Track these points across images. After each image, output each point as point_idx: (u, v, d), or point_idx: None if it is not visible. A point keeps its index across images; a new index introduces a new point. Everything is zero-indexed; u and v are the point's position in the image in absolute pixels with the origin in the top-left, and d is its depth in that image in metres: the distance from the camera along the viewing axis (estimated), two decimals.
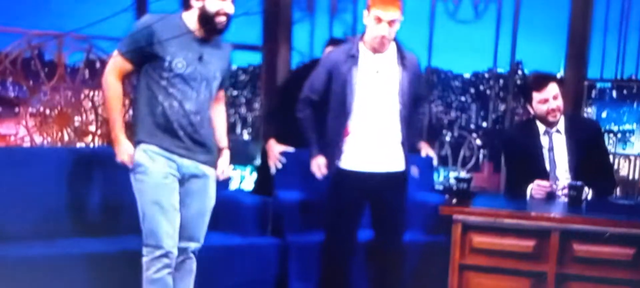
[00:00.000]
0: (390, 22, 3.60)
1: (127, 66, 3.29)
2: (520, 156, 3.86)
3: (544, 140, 3.83)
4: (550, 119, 3.78)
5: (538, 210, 3.43)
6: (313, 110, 3.81)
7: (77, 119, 4.97)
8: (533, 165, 3.80)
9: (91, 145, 4.98)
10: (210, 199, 3.44)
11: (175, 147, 3.29)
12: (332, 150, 3.74)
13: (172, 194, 3.29)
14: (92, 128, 5.02)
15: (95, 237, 3.83)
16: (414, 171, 3.95)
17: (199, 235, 3.43)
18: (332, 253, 3.81)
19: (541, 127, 3.84)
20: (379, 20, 3.59)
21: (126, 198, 3.67)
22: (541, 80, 3.82)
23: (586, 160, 3.75)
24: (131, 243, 3.49)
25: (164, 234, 3.25)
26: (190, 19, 3.29)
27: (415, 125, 3.90)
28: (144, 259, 3.28)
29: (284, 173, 4.44)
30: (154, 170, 3.25)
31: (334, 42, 4.76)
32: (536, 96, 3.79)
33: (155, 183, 3.25)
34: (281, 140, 4.54)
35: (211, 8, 3.25)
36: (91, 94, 5.02)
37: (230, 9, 3.29)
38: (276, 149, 4.50)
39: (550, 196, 3.74)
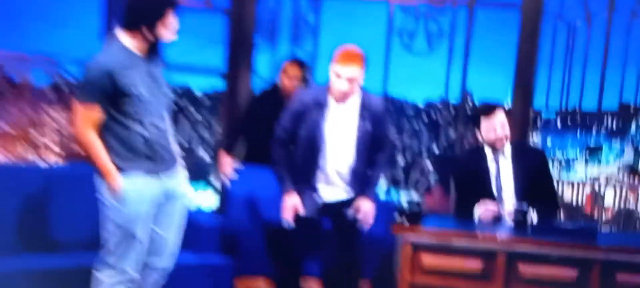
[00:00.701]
0: (350, 79, 3.61)
1: (98, 114, 3.08)
2: (469, 179, 3.86)
3: (492, 165, 3.84)
4: (498, 145, 3.80)
5: (485, 232, 3.41)
6: (286, 150, 3.80)
7: (40, 138, 4.85)
8: (481, 188, 3.81)
9: (53, 163, 4.84)
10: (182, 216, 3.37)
11: (160, 168, 3.18)
12: (304, 189, 3.73)
13: (148, 223, 3.19)
14: (54, 147, 4.91)
15: (50, 252, 3.73)
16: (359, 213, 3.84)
17: (173, 254, 3.34)
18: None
19: (489, 153, 3.84)
20: (338, 76, 3.61)
21: (84, 215, 3.61)
22: (489, 108, 3.85)
23: (531, 185, 3.77)
24: (87, 260, 3.37)
25: (132, 262, 3.15)
26: (129, 39, 3.12)
27: (370, 176, 3.83)
28: (98, 277, 3.16)
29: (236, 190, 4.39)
30: (133, 199, 3.12)
31: (291, 61, 4.81)
32: (484, 124, 3.80)
33: (132, 213, 3.12)
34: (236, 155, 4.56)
35: (167, 37, 3.14)
36: (55, 114, 4.90)
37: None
38: (227, 161, 4.52)
39: (497, 218, 3.73)
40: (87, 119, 3.07)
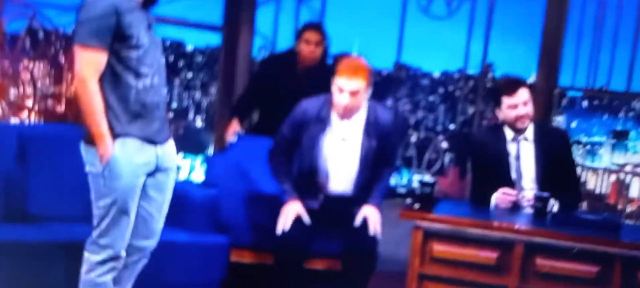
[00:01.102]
0: (353, 93, 3.60)
1: (104, 58, 2.88)
2: (486, 162, 3.81)
3: (512, 148, 3.79)
4: (519, 125, 3.74)
5: (502, 220, 3.38)
6: (286, 159, 3.84)
7: (13, 92, 4.77)
8: (499, 172, 3.75)
9: (26, 121, 4.81)
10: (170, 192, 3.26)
11: (156, 133, 3.06)
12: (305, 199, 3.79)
13: (137, 195, 3.07)
14: (29, 103, 4.84)
15: (24, 223, 3.65)
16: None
17: (159, 232, 3.23)
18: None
19: (509, 134, 3.79)
20: (341, 90, 3.61)
21: (64, 181, 3.57)
22: (512, 84, 3.78)
23: (553, 171, 3.72)
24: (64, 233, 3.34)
25: (122, 239, 3.05)
26: None
27: (376, 188, 3.86)
28: (90, 258, 3.05)
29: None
30: (128, 170, 2.98)
31: (310, 26, 4.78)
32: (506, 101, 3.75)
33: (128, 186, 2.99)
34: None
35: None
36: (31, 65, 4.83)
37: None
38: (233, 128, 4.63)
39: (516, 206, 3.70)
40: (91, 65, 2.87)
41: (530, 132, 3.79)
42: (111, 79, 2.94)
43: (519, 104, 3.73)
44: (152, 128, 3.05)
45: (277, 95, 4.65)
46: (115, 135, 2.96)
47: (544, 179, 3.72)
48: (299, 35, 4.74)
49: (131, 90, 2.96)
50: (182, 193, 3.91)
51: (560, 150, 3.80)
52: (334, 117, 3.73)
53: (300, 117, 3.78)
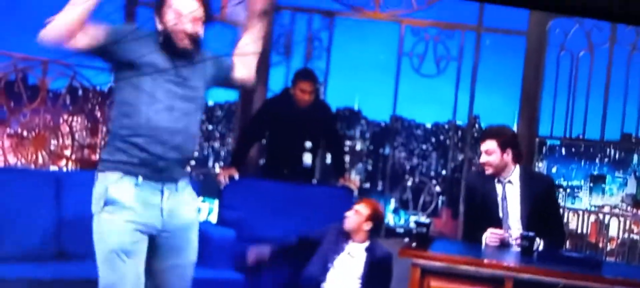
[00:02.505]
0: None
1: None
2: (476, 203, 3.73)
3: (499, 190, 3.70)
4: (486, 171, 3.67)
5: (493, 258, 3.28)
6: None
7: (53, 142, 4.72)
8: (488, 212, 3.68)
9: (64, 169, 4.74)
10: None
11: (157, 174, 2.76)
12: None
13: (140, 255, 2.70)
14: (68, 152, 4.78)
15: (60, 260, 3.57)
16: None
17: None
18: None
19: (500, 178, 3.71)
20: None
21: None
22: (482, 135, 3.78)
23: (537, 212, 3.62)
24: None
25: None
26: None
27: None
28: None
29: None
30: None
31: (301, 71, 4.80)
32: (480, 148, 3.72)
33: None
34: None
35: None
36: (70, 119, 4.79)
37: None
38: (227, 172, 4.59)
39: (504, 244, 3.59)
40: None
41: (515, 175, 3.70)
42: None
43: (482, 152, 3.66)
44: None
45: (278, 132, 4.68)
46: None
47: (528, 219, 3.62)
48: (294, 82, 4.72)
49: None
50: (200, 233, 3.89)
51: (544, 193, 3.71)
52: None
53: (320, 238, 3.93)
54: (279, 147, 4.70)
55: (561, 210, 4.31)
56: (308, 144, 4.65)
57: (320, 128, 4.79)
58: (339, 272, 3.83)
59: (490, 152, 3.64)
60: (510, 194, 3.69)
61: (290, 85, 4.77)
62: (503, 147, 3.64)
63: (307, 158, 4.64)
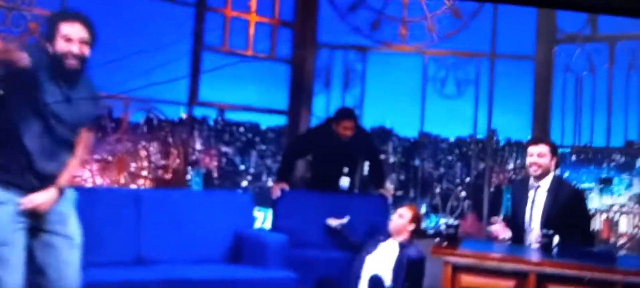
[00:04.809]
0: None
1: None
2: (513, 206, 3.52)
3: (531, 194, 3.50)
4: (531, 171, 3.46)
5: (517, 254, 3.09)
6: None
7: (132, 165, 4.73)
8: (517, 213, 3.50)
9: (142, 187, 4.76)
10: None
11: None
12: None
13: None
14: (145, 173, 4.79)
15: (139, 266, 3.55)
16: None
17: None
18: None
19: (532, 183, 3.50)
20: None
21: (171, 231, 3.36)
22: (534, 139, 3.69)
23: (559, 218, 3.39)
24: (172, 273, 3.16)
25: None
26: None
27: None
28: None
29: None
30: None
31: (343, 111, 4.73)
32: (528, 150, 3.54)
33: None
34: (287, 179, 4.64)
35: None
36: (147, 145, 4.82)
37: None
38: (278, 185, 4.56)
39: (505, 239, 3.43)
40: None
41: (546, 182, 3.47)
42: None
43: (534, 154, 3.47)
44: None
45: (322, 159, 4.68)
46: None
47: (549, 222, 3.38)
48: (336, 121, 4.65)
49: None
50: (256, 238, 3.85)
51: (570, 202, 3.46)
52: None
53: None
54: (322, 171, 4.71)
55: (589, 218, 3.97)
56: (345, 169, 4.61)
57: (361, 154, 4.79)
58: (376, 264, 3.73)
59: (543, 155, 3.47)
60: (538, 199, 3.49)
61: (333, 120, 4.70)
62: (553, 153, 3.50)
63: (345, 181, 4.60)
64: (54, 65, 2.39)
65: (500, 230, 3.47)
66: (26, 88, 2.29)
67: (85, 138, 2.55)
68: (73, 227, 2.49)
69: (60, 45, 2.41)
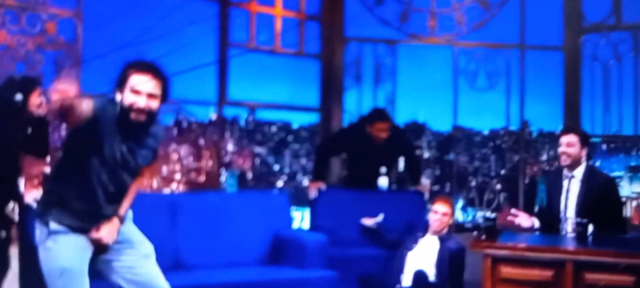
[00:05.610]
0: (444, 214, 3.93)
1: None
2: (547, 195, 3.64)
3: (565, 184, 3.61)
4: (561, 161, 3.57)
5: (553, 244, 3.20)
6: None
7: (164, 169, 4.80)
8: (552, 202, 3.58)
9: (175, 191, 4.82)
10: None
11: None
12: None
13: None
14: (177, 176, 4.86)
15: (176, 271, 3.58)
16: None
17: None
18: None
19: (565, 173, 3.62)
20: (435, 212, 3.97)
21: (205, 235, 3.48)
22: (564, 129, 3.71)
23: (593, 206, 3.48)
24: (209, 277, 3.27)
25: None
26: None
27: None
28: None
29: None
30: None
31: (377, 113, 4.74)
32: (560, 141, 3.62)
33: None
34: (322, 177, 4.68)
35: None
36: (178, 148, 4.86)
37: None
38: (314, 184, 4.61)
39: (529, 229, 3.53)
40: None
41: (580, 171, 3.59)
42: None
43: (563, 144, 3.58)
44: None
45: (358, 159, 4.69)
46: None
47: (583, 211, 3.50)
48: (370, 123, 4.64)
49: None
50: (295, 239, 3.87)
51: (602, 191, 3.55)
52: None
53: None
54: (358, 170, 4.69)
55: (621, 206, 4.06)
56: (383, 170, 4.62)
57: (396, 152, 4.77)
58: (418, 260, 3.81)
59: (571, 144, 3.55)
60: (572, 188, 3.58)
61: (366, 121, 4.69)
62: (583, 143, 3.57)
63: (384, 181, 4.60)
64: (120, 118, 2.37)
65: (522, 219, 3.59)
66: (94, 139, 2.33)
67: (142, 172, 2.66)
68: (142, 244, 2.62)
69: (128, 97, 2.36)
